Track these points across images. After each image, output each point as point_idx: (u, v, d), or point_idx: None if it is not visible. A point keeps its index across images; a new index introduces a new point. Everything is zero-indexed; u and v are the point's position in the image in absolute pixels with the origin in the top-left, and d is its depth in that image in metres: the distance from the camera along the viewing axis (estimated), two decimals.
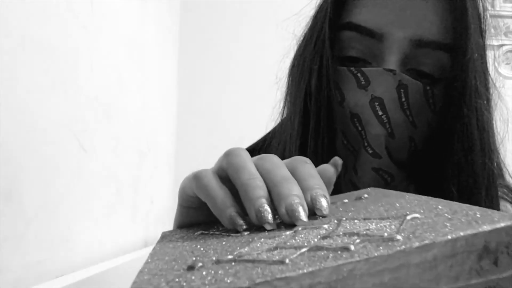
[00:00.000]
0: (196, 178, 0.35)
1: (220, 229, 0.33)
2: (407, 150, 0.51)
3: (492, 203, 0.49)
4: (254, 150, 0.62)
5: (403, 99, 0.49)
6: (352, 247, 0.21)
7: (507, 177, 0.57)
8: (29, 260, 0.72)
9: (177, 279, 0.22)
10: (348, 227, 0.26)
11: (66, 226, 0.83)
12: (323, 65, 0.50)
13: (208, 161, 0.44)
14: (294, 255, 0.22)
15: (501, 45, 1.85)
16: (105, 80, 0.99)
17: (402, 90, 0.48)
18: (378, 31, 0.49)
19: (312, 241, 0.24)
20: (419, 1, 0.49)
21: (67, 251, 0.84)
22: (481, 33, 0.51)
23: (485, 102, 0.49)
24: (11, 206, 0.67)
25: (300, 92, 0.54)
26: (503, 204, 0.56)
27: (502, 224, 0.21)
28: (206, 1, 1.59)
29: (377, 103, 0.48)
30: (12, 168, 0.68)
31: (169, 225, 0.62)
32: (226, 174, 0.34)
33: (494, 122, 0.53)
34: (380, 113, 0.48)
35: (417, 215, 0.25)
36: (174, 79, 1.54)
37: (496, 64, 1.83)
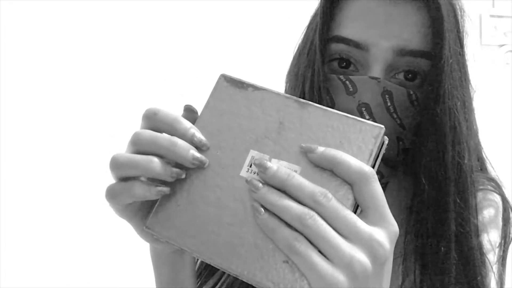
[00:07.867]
0: (134, 138, 0.39)
1: None
2: (396, 149, 0.55)
3: (463, 195, 0.54)
4: None
5: (389, 104, 0.53)
6: None
7: (490, 168, 0.62)
8: None
9: None
10: None
11: None
12: (315, 73, 0.55)
13: None
14: None
15: (501, 45, 1.88)
16: None
17: (387, 96, 0.53)
18: (363, 43, 0.53)
19: None
20: (401, 13, 0.53)
21: None
22: (459, 39, 0.56)
23: (459, 103, 0.53)
24: None
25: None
26: (490, 196, 0.60)
27: None
28: None
29: (364, 108, 0.53)
30: None
31: None
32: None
33: (472, 120, 0.57)
34: (367, 117, 0.53)
35: None
36: None
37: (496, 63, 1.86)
